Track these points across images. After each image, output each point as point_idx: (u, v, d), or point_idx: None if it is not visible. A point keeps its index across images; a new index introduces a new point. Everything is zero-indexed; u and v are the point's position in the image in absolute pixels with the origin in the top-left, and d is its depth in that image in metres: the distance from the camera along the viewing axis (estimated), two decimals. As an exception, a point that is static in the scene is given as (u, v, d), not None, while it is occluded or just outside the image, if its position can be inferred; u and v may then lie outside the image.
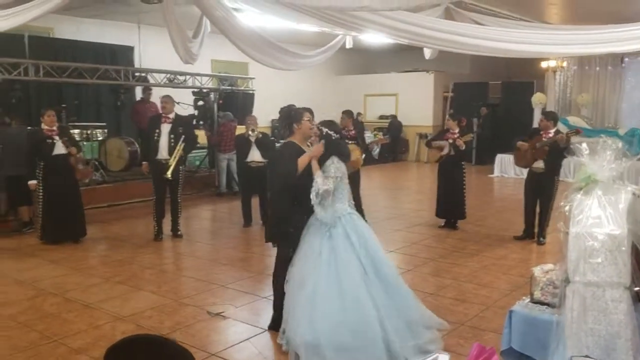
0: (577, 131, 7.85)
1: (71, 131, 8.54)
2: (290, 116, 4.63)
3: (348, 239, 4.02)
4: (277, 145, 8.63)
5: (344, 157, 4.22)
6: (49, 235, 7.64)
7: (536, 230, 7.62)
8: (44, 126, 7.51)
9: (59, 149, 7.50)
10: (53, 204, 7.51)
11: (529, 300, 3.32)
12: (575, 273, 2.71)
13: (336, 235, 4.04)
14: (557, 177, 7.44)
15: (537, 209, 7.57)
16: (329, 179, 4.05)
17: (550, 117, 7.62)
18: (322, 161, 4.18)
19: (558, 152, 7.21)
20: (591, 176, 2.71)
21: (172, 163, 7.70)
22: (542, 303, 3.22)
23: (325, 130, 4.25)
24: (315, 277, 3.97)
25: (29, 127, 8.83)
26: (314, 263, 4.02)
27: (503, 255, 7.07)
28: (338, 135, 4.23)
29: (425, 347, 3.97)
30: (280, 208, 4.55)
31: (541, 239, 7.53)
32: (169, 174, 7.65)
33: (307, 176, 4.17)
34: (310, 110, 4.63)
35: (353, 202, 4.32)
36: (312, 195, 4.06)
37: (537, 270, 3.26)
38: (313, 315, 3.87)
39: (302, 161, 4.26)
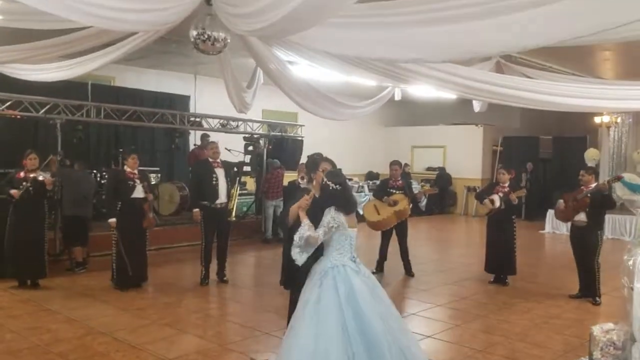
0: (618, 177, 7.82)
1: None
2: (309, 164, 4.78)
3: (336, 291, 3.96)
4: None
5: (343, 208, 4.17)
6: (122, 281, 7.49)
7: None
8: (126, 168, 7.62)
9: (138, 192, 7.55)
10: (126, 248, 7.45)
11: (587, 360, 3.19)
12: (640, 331, 2.60)
13: (325, 285, 4.00)
14: (601, 232, 7.31)
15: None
16: (320, 229, 4.04)
17: (591, 171, 7.61)
18: (320, 211, 4.18)
19: (600, 203, 7.12)
20: (653, 230, 2.62)
21: (233, 206, 7.84)
22: (600, 364, 3.08)
23: (325, 180, 4.27)
24: (299, 324, 3.96)
25: (92, 171, 9.20)
26: (301, 310, 4.02)
27: (556, 314, 6.82)
28: (338, 187, 4.20)
29: None
30: (287, 253, 4.60)
31: (596, 298, 7.25)
32: (234, 216, 7.78)
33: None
34: (330, 161, 4.75)
35: (355, 256, 4.22)
36: (295, 237, 4.07)
37: (597, 330, 3.12)
38: None
39: (292, 211, 4.34)
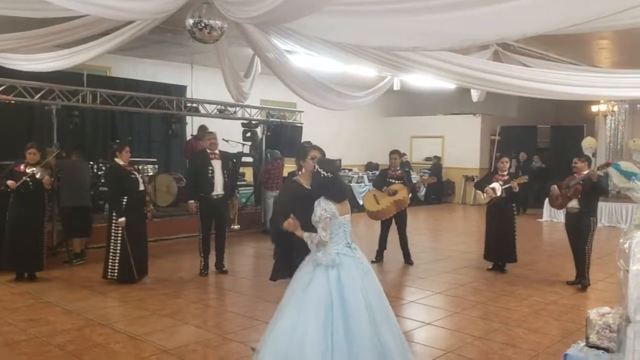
0: (607, 164, 7.96)
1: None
2: (298, 152, 4.76)
3: (327, 278, 3.97)
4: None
5: (334, 196, 4.13)
6: (126, 275, 7.23)
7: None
8: (119, 162, 7.30)
9: (141, 185, 7.39)
10: (131, 242, 7.21)
11: (584, 344, 3.20)
12: (636, 312, 2.61)
13: (317, 271, 4.02)
14: (594, 218, 7.39)
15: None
16: (318, 227, 4.02)
17: (584, 158, 7.64)
18: (312, 201, 4.16)
19: (591, 190, 7.19)
20: (652, 213, 2.64)
21: (235, 215, 7.85)
22: (598, 347, 3.09)
23: (316, 168, 4.24)
24: (285, 304, 4.00)
25: (88, 162, 9.12)
26: (291, 291, 4.06)
27: (554, 300, 6.86)
28: (330, 174, 4.15)
29: None
30: (279, 247, 4.60)
31: (584, 280, 7.34)
32: (236, 227, 7.80)
33: (300, 217, 4.19)
34: (319, 149, 4.74)
35: (350, 241, 4.19)
36: (313, 250, 4.09)
37: (593, 313, 3.14)
38: (267, 341, 3.93)
39: (286, 227, 4.29)
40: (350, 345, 3.80)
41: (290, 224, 4.20)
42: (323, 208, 4.06)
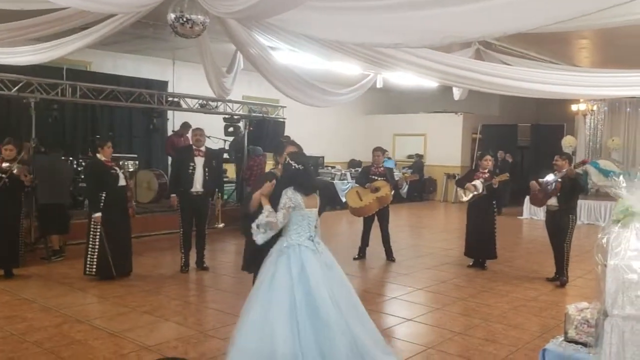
0: (583, 162, 8.42)
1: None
2: (276, 148, 4.79)
3: (289, 270, 3.99)
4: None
5: (302, 188, 4.18)
6: (103, 271, 7.20)
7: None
8: (101, 157, 7.28)
9: (122, 180, 7.33)
10: (110, 238, 7.18)
11: (562, 339, 3.23)
12: (613, 306, 2.64)
13: (279, 263, 4.04)
14: (573, 216, 7.47)
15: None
16: (279, 212, 4.06)
17: (565, 156, 7.69)
18: (279, 191, 4.20)
19: (570, 187, 7.28)
20: (629, 208, 2.66)
21: (218, 212, 7.85)
22: (576, 342, 3.12)
23: (287, 160, 4.30)
24: (253, 299, 4.00)
25: (68, 158, 8.99)
26: (257, 287, 4.07)
27: (534, 296, 6.93)
28: (300, 167, 4.21)
29: None
30: (249, 238, 4.60)
31: (563, 277, 7.43)
32: (220, 225, 7.80)
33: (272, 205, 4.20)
34: (297, 145, 4.78)
35: (314, 235, 4.22)
36: (253, 225, 4.09)
37: (572, 309, 3.17)
38: (237, 338, 3.92)
39: (255, 198, 4.34)
40: (318, 337, 3.82)
41: (265, 188, 4.23)
42: (289, 197, 4.11)
